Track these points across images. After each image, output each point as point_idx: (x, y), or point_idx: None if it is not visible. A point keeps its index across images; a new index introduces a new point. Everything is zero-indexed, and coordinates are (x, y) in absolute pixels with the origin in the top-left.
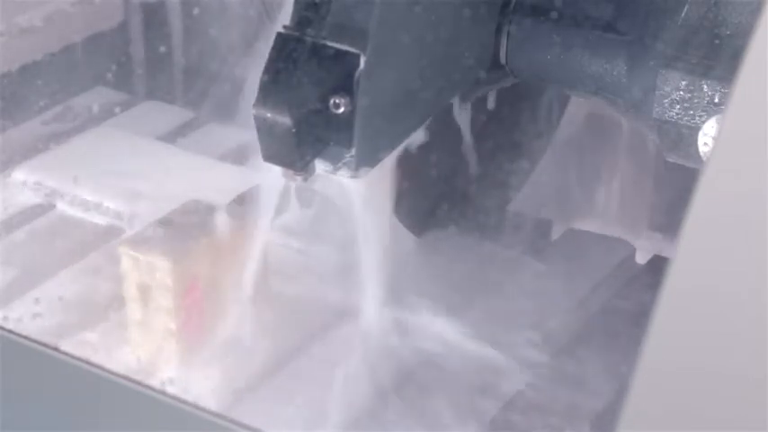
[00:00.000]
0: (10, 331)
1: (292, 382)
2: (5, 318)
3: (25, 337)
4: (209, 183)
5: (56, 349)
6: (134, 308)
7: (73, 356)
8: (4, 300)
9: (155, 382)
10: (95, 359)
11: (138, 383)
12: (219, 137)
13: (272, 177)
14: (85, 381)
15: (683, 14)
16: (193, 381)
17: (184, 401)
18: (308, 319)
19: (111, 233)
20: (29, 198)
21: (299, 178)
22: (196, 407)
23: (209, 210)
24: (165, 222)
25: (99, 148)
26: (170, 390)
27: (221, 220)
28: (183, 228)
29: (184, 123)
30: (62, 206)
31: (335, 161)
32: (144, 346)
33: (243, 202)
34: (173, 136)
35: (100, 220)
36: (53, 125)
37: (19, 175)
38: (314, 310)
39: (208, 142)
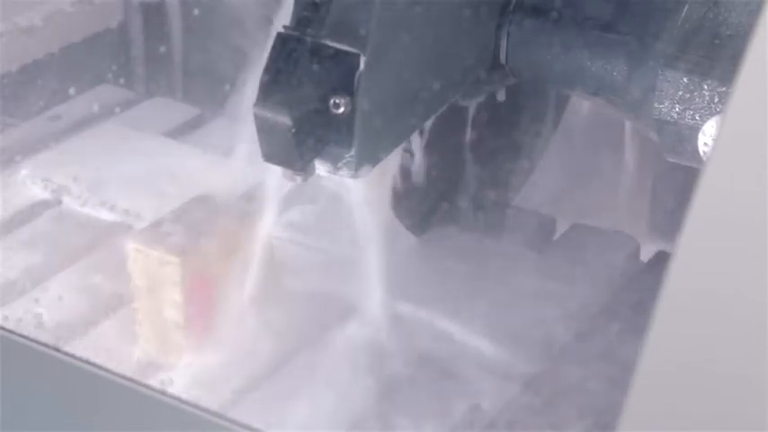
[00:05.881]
0: (10, 331)
1: (294, 379)
2: (5, 317)
3: (25, 337)
4: (217, 179)
5: (56, 349)
6: (142, 303)
7: (73, 356)
8: (6, 298)
9: (160, 377)
10: (102, 354)
11: (138, 383)
12: (225, 133)
13: (278, 174)
14: (85, 381)
15: (683, 14)
16: (198, 377)
17: (184, 401)
18: (313, 316)
19: (118, 229)
20: (36, 194)
21: (298, 178)
22: (196, 407)
23: (217, 205)
24: (174, 218)
25: (105, 145)
26: (172, 388)
27: (229, 216)
28: (192, 223)
29: (190, 120)
30: (69, 202)
31: (335, 161)
32: (151, 340)
33: (250, 198)
34: (179, 132)
35: (107, 216)
36: (59, 122)
37: (26, 171)
38: (320, 307)
39: (213, 139)
